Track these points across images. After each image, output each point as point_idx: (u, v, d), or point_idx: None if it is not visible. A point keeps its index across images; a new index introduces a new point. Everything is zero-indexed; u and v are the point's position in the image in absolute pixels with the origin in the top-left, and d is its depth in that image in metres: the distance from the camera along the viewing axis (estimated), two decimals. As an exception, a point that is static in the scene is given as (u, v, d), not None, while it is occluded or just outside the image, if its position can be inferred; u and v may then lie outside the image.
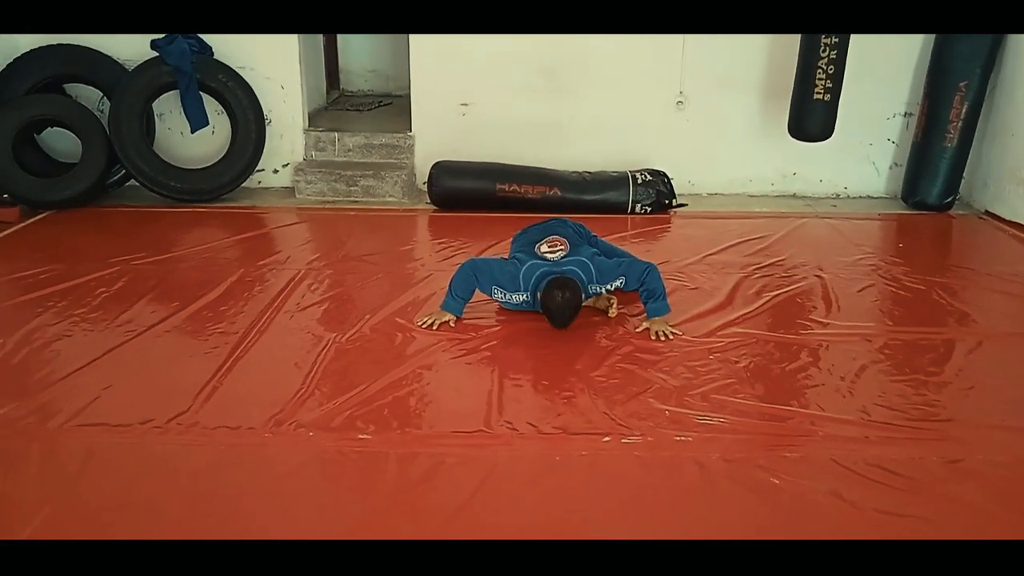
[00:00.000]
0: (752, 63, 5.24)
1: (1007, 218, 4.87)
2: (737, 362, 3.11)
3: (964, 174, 5.15)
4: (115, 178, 5.11)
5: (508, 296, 3.40)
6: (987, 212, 5.07)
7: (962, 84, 4.92)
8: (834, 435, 2.64)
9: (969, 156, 5.10)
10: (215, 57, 5.05)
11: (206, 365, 3.03)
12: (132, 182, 5.11)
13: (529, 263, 3.38)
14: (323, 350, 3.17)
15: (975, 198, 5.23)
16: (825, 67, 4.71)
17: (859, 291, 3.85)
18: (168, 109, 5.19)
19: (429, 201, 5.11)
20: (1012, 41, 4.87)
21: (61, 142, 5.16)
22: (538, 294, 3.28)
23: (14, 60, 4.96)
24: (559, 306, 3.22)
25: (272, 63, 5.22)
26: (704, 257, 4.25)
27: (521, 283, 3.36)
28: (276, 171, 5.43)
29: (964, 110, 4.95)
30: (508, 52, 5.18)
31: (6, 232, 4.50)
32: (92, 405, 2.75)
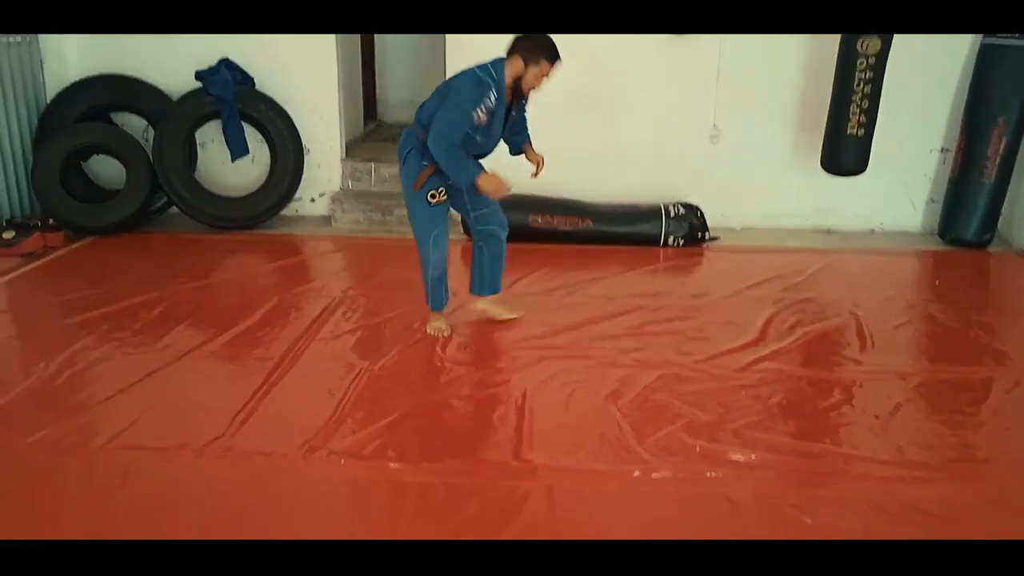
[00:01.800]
0: (786, 96, 5.25)
1: (1047, 256, 4.81)
2: (770, 398, 3.10)
3: (1002, 211, 5.09)
4: (158, 205, 5.24)
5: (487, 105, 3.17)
6: (1026, 249, 5.01)
7: (1001, 119, 4.88)
8: (868, 474, 2.62)
9: (1007, 193, 5.04)
10: (257, 88, 5.17)
11: (242, 390, 3.08)
12: (174, 209, 5.22)
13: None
14: (356, 377, 3.21)
15: (1014, 235, 5.16)
16: (859, 101, 4.71)
17: (894, 328, 3.81)
18: (210, 138, 5.32)
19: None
20: (1052, 78, 4.83)
21: (106, 169, 5.30)
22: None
23: (64, 89, 5.13)
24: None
25: (312, 94, 5.32)
26: (737, 291, 4.24)
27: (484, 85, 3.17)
28: (313, 200, 5.52)
29: (1003, 146, 4.90)
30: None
31: (52, 256, 4.62)
32: (131, 427, 2.81)
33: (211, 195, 5.17)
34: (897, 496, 2.48)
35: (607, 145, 5.35)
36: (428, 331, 3.61)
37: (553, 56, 3.20)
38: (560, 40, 5.17)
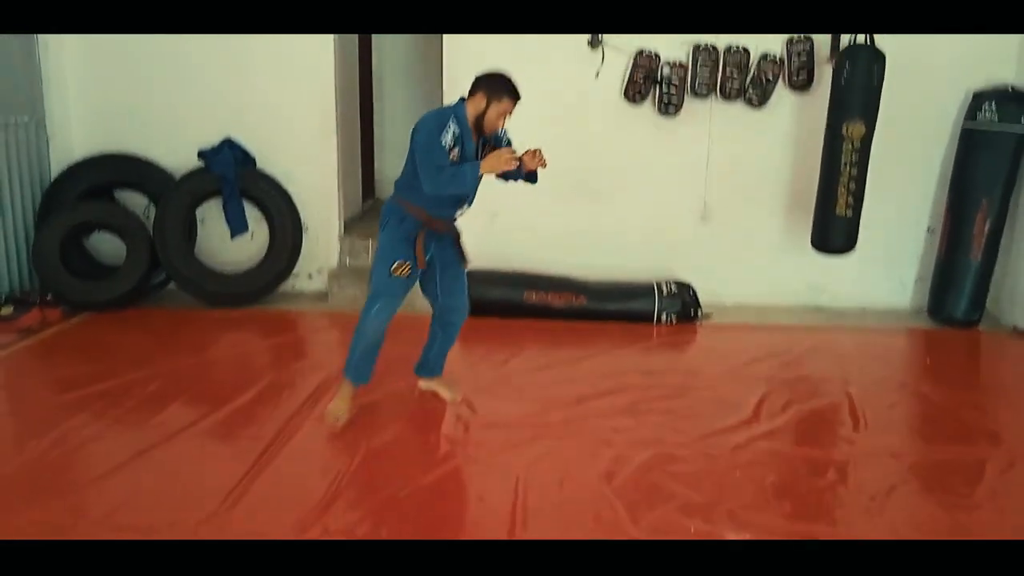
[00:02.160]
0: (775, 178, 5.37)
1: (1036, 334, 4.87)
2: (764, 478, 3.10)
3: (991, 290, 5.16)
4: (157, 280, 5.29)
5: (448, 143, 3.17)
6: (1015, 328, 5.05)
7: (984, 201, 4.99)
8: (863, 557, 2.60)
9: (995, 272, 5.13)
10: (258, 167, 5.28)
11: (235, 469, 3.06)
12: (173, 284, 5.27)
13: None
14: (351, 455, 3.20)
15: (1002, 314, 5.23)
16: (846, 183, 4.83)
17: (887, 407, 3.83)
18: (210, 215, 5.40)
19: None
20: (1032, 161, 4.97)
21: (108, 245, 5.37)
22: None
23: (68, 167, 5.23)
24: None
25: (312, 173, 5.43)
26: (730, 369, 4.26)
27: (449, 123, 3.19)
28: (311, 276, 5.58)
29: (987, 227, 5.01)
30: (538, 164, 5.36)
31: (49, 332, 4.64)
32: (123, 506, 2.80)
33: (209, 271, 5.22)
34: (892, 580, 2.46)
35: (600, 224, 5.44)
36: (326, 412, 3.45)
37: (514, 94, 3.26)
38: (554, 123, 5.34)
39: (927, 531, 2.76)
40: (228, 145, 5.21)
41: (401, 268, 3.36)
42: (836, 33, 4.92)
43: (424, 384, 3.81)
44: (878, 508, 2.90)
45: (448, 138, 3.17)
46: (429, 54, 6.70)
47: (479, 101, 3.24)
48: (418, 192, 3.27)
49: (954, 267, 5.12)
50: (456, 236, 3.52)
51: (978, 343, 5.00)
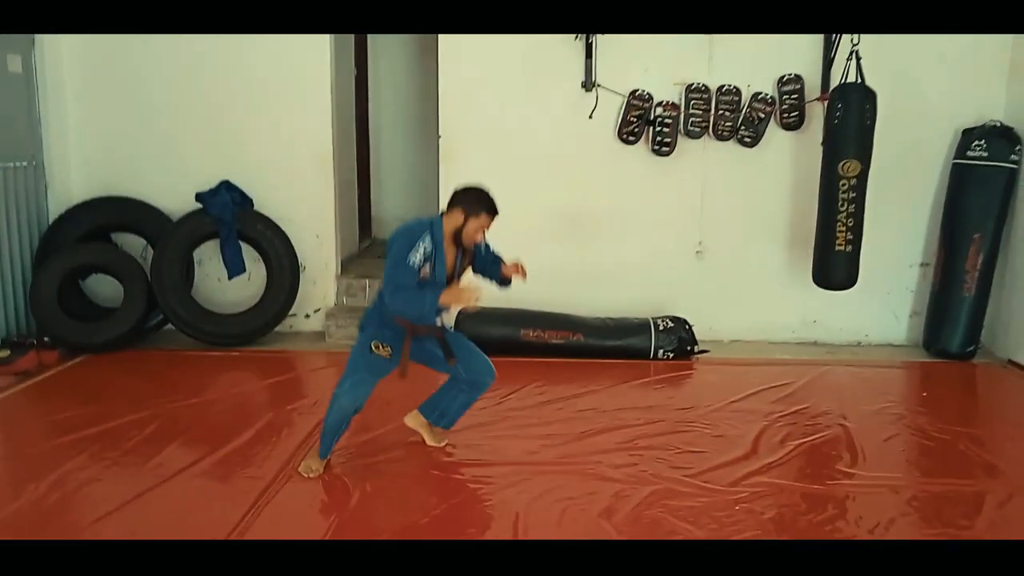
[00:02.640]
0: (770, 214, 5.43)
1: (1031, 367, 4.89)
2: (763, 513, 3.09)
3: (984, 322, 5.20)
4: (154, 322, 5.30)
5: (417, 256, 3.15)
6: (1010, 361, 5.08)
7: (976, 235, 5.06)
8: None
9: (988, 305, 5.17)
10: (255, 208, 5.33)
11: (234, 510, 3.06)
12: (170, 325, 5.28)
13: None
14: (350, 495, 3.19)
15: (997, 347, 5.26)
16: (844, 219, 4.88)
17: (884, 440, 3.84)
18: (207, 256, 5.44)
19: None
20: (1022, 194, 5.03)
21: (104, 287, 5.39)
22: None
23: (68, 209, 5.27)
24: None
25: (308, 214, 5.49)
26: (728, 404, 4.27)
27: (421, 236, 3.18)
28: (308, 316, 5.60)
29: (980, 260, 5.07)
30: (533, 200, 5.42)
31: (46, 375, 4.64)
32: (120, 550, 2.78)
33: (207, 312, 5.24)
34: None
35: (597, 261, 5.48)
36: (300, 468, 3.43)
37: (492, 209, 3.26)
38: (550, 164, 5.42)
39: (928, 565, 2.75)
40: (226, 187, 5.25)
41: (381, 348, 3.32)
42: (821, 33, 4.96)
43: (413, 422, 3.74)
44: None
45: (418, 257, 3.15)
46: (426, 93, 6.81)
47: (456, 216, 3.23)
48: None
49: (948, 301, 5.16)
50: (440, 335, 3.45)
51: (973, 376, 5.02)
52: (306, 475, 3.38)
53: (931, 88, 5.19)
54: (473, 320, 5.15)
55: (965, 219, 5.10)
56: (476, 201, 3.25)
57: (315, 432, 3.80)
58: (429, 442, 3.70)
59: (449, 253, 3.27)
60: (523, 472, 3.42)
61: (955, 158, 5.19)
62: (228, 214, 5.17)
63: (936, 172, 5.33)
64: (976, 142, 5.05)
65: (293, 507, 3.13)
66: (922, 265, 5.47)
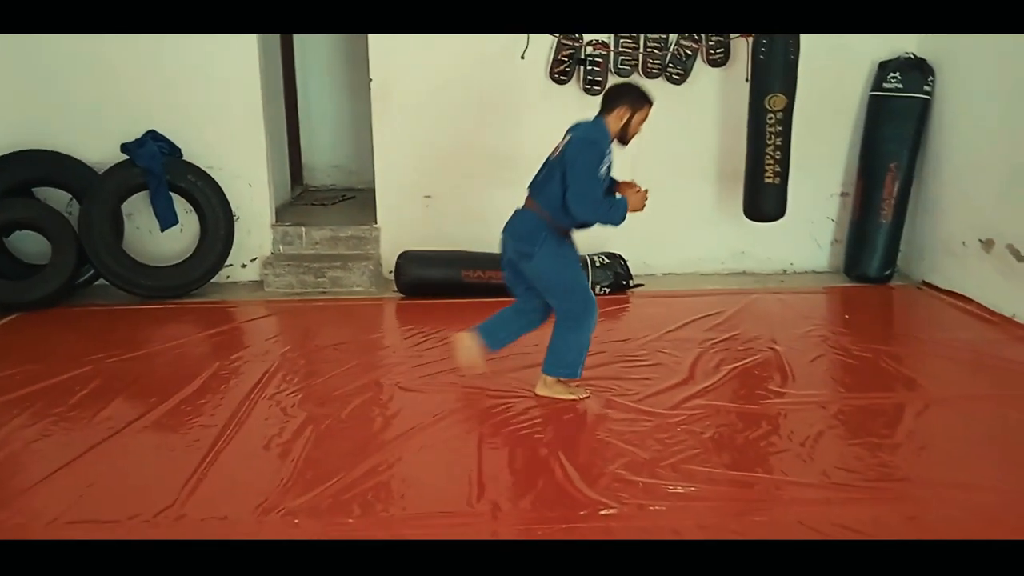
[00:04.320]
0: (700, 150, 5.57)
1: (943, 287, 5.19)
2: (703, 433, 3.27)
3: (900, 247, 5.49)
4: (84, 278, 5.18)
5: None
6: (924, 282, 5.39)
7: (892, 165, 5.29)
8: (798, 498, 2.80)
9: (904, 230, 5.45)
10: (184, 158, 5.21)
11: (189, 458, 3.08)
12: (102, 281, 5.18)
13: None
14: (304, 438, 3.25)
15: (912, 270, 5.56)
16: (772, 152, 5.06)
17: (811, 361, 4.07)
18: (137, 209, 5.31)
19: (396, 290, 5.26)
20: (935, 125, 5.28)
21: (29, 244, 5.24)
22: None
23: (-16, 166, 5.06)
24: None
25: (239, 162, 5.39)
26: (664, 334, 4.44)
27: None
28: (244, 265, 5.55)
29: (896, 188, 5.32)
30: (468, 142, 5.44)
31: (-25, 335, 4.52)
32: (77, 503, 2.79)
33: (140, 265, 5.15)
34: (826, 517, 2.66)
35: (532, 201, 5.54)
36: (560, 396, 3.54)
37: (650, 99, 3.36)
38: (484, 106, 5.44)
39: (854, 469, 2.97)
40: (152, 137, 5.12)
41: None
42: (760, 33, 5.09)
43: (463, 343, 3.67)
44: (808, 453, 3.10)
45: (604, 169, 3.30)
46: (355, 38, 6.68)
47: (623, 114, 3.32)
48: (568, 215, 3.33)
49: (867, 228, 5.41)
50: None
51: (891, 298, 5.32)
52: (571, 396, 3.52)
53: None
54: (415, 263, 5.20)
55: (882, 149, 5.33)
56: (639, 96, 3.34)
57: (265, 379, 3.84)
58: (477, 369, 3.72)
59: None
60: (475, 407, 3.53)
61: (872, 90, 5.40)
62: (156, 165, 5.05)
63: (855, 104, 5.53)
64: (891, 74, 5.26)
65: (250, 451, 3.17)
66: (842, 195, 5.71)
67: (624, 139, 3.39)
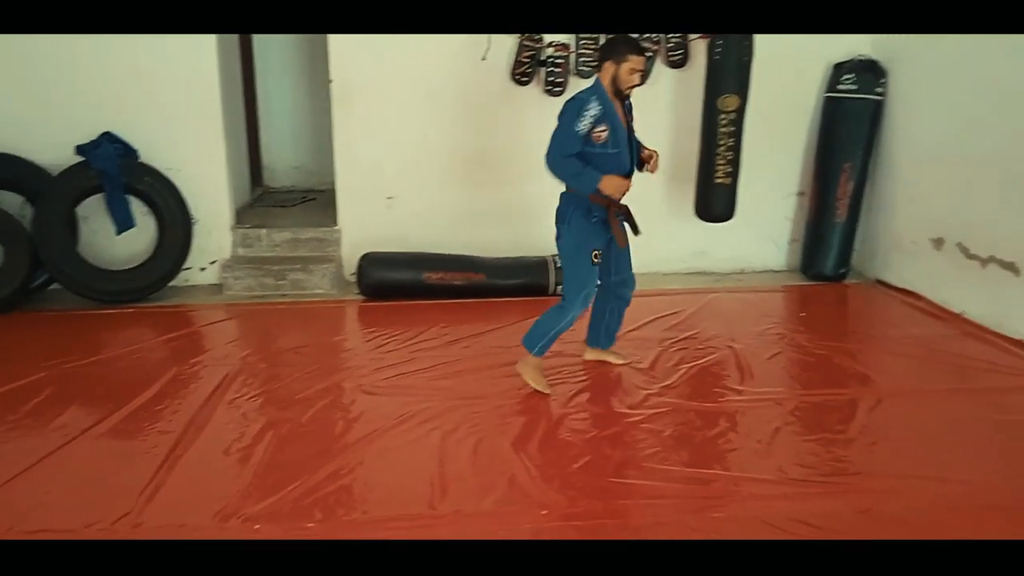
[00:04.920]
0: (660, 152, 5.59)
1: (895, 285, 5.31)
2: (663, 431, 3.32)
3: (855, 246, 5.60)
4: (38, 282, 5.08)
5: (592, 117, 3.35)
6: (878, 280, 5.51)
7: (846, 165, 5.40)
8: (756, 494, 2.86)
9: (858, 229, 5.56)
10: (141, 160, 5.14)
11: (146, 465, 3.05)
12: (57, 285, 5.08)
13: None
14: (265, 443, 3.23)
15: (866, 268, 5.68)
16: (724, 153, 5.14)
17: (768, 359, 4.14)
18: (92, 211, 5.21)
19: (358, 292, 5.24)
20: (887, 125, 5.39)
21: (-20, 248, 5.12)
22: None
23: (-67, 169, 4.95)
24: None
25: (198, 164, 5.32)
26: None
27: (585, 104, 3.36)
28: (203, 269, 5.48)
29: (850, 188, 5.42)
30: (430, 143, 5.44)
31: (-75, 342, 4.42)
32: (34, 511, 2.75)
33: (96, 269, 5.06)
34: (782, 512, 2.72)
35: (495, 202, 5.56)
36: (528, 381, 3.67)
37: (636, 48, 3.37)
38: (445, 107, 5.44)
39: (809, 464, 3.04)
40: (108, 138, 5.03)
41: (599, 257, 3.54)
42: (715, 33, 5.16)
43: (592, 355, 3.99)
44: (765, 450, 3.17)
45: (586, 122, 3.32)
46: (315, 39, 6.63)
47: (608, 70, 3.38)
48: None
49: (822, 227, 5.52)
50: (627, 211, 3.62)
51: (846, 296, 5.42)
52: (536, 386, 3.63)
53: (803, 25, 5.45)
54: (375, 265, 5.18)
55: (836, 149, 5.43)
56: (619, 46, 3.39)
57: (224, 383, 3.81)
58: (616, 362, 3.98)
59: (618, 112, 3.41)
60: (435, 408, 3.53)
61: (827, 91, 5.50)
62: (112, 166, 4.96)
63: (810, 105, 5.63)
64: (845, 76, 5.36)
65: (209, 457, 3.14)
66: (798, 194, 5.80)
67: (619, 94, 3.43)
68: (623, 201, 3.59)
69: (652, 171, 3.58)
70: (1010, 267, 4.34)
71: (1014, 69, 4.30)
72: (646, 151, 3.58)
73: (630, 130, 3.55)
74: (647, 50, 3.36)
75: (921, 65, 5.10)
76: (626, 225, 3.66)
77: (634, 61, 3.36)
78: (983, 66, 4.53)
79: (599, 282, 3.70)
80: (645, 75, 5.33)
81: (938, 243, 4.92)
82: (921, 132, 5.12)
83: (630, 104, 3.56)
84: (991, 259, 4.48)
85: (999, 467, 3.03)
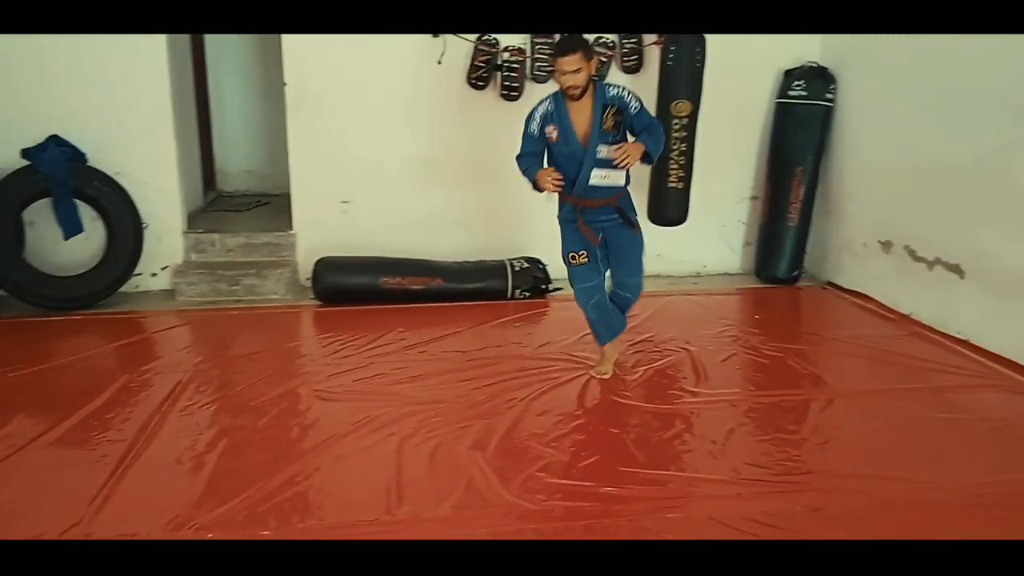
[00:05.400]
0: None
1: (846, 287, 5.42)
2: (619, 433, 3.34)
3: (807, 249, 5.70)
4: (-19, 289, 4.95)
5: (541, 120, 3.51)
6: (829, 283, 5.62)
7: (798, 169, 5.50)
8: (710, 494, 2.89)
9: (810, 233, 5.66)
10: (89, 164, 5.03)
11: (96, 474, 2.98)
12: (3, 291, 4.95)
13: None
14: (218, 450, 3.18)
15: (818, 271, 5.79)
16: (677, 157, 5.19)
17: (723, 360, 4.19)
18: (40, 217, 5.09)
19: (314, 297, 5.20)
20: (837, 131, 5.50)
21: (-79, 254, 4.96)
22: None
23: None
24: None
25: (148, 167, 5.23)
26: (581, 336, 4.49)
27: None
28: (155, 274, 5.39)
29: (802, 192, 5.52)
30: (387, 148, 5.42)
31: None
32: (-23, 524, 2.67)
33: (43, 276, 4.94)
34: (736, 511, 2.75)
35: (453, 206, 5.56)
36: (593, 372, 3.87)
37: (559, 51, 3.40)
38: (402, 111, 5.41)
39: (762, 464, 3.08)
40: (55, 142, 4.92)
41: (578, 258, 3.61)
42: (665, 33, 5.22)
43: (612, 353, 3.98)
44: (720, 450, 3.21)
45: (535, 123, 3.51)
46: (268, 42, 6.57)
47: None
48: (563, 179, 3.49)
49: (775, 231, 5.61)
50: (620, 208, 3.63)
51: (799, 298, 5.52)
52: (602, 375, 3.80)
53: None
54: (331, 270, 5.15)
55: (788, 154, 5.53)
56: (553, 50, 3.46)
57: (176, 390, 3.75)
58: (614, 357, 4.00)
59: (578, 112, 3.43)
60: (392, 414, 3.51)
61: (778, 97, 5.60)
62: (60, 170, 4.85)
63: (762, 111, 5.73)
64: (796, 82, 5.46)
65: (160, 465, 3.08)
66: (752, 199, 5.90)
67: (566, 95, 3.47)
68: (618, 201, 3.64)
69: (620, 166, 3.49)
70: (955, 269, 4.45)
71: (956, 76, 4.42)
72: (613, 148, 3.47)
73: (615, 127, 3.49)
74: (579, 51, 3.32)
75: (868, 72, 5.22)
76: (611, 228, 3.70)
77: (559, 63, 3.39)
78: (927, 73, 4.66)
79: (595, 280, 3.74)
80: (597, 78, 5.39)
81: (887, 246, 5.03)
82: (869, 138, 5.23)
83: (609, 102, 3.48)
84: (937, 261, 4.59)
85: (941, 465, 3.11)
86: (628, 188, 3.70)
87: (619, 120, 3.49)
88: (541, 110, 3.50)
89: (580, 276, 3.70)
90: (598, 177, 3.52)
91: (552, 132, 3.47)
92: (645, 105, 3.56)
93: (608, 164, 3.48)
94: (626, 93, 3.50)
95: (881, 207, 5.11)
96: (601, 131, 3.46)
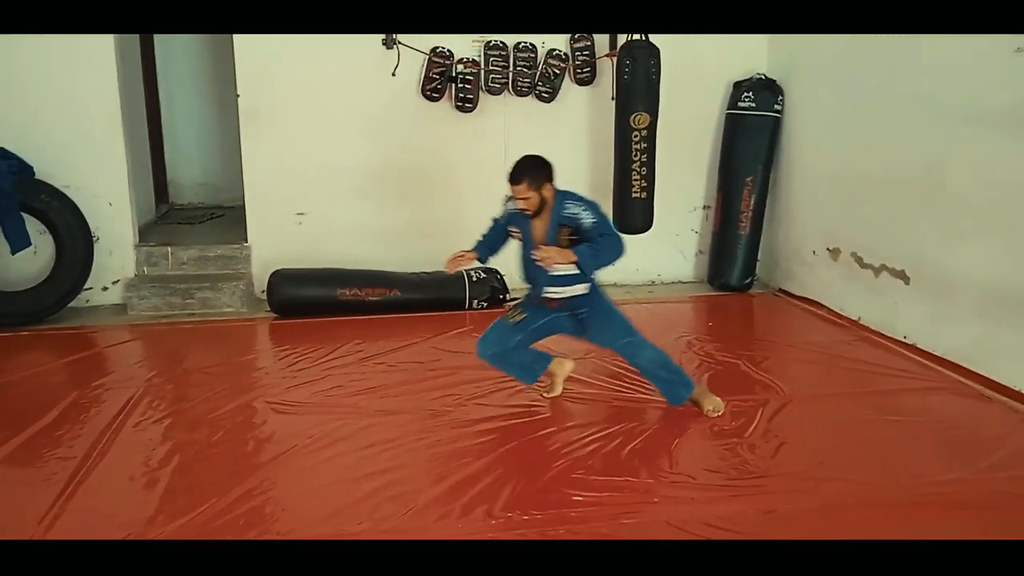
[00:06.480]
0: (570, 166, 5.69)
1: (797, 294, 5.54)
2: (576, 441, 3.36)
3: (758, 257, 5.81)
4: (-76, 305, 4.83)
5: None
6: (780, 290, 5.73)
7: (749, 179, 5.61)
8: (666, 499, 2.93)
9: (761, 241, 5.78)
10: (37, 176, 4.94)
11: (45, 493, 2.93)
12: (-56, 308, 4.84)
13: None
14: (172, 466, 3.14)
15: (770, 278, 5.90)
16: (639, 168, 5.26)
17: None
18: (-15, 230, 4.99)
19: (269, 309, 5.16)
20: (785, 141, 5.63)
21: None
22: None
23: None
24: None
25: (98, 180, 5.16)
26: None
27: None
28: (106, 288, 5.30)
29: (753, 201, 5.64)
30: (342, 159, 5.41)
31: None
32: (-80, 547, 2.60)
33: (-11, 291, 4.84)
34: (691, 515, 2.79)
35: (409, 217, 5.57)
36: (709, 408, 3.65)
37: (509, 177, 3.48)
38: (357, 122, 5.40)
39: (717, 469, 3.13)
40: (0, 155, 4.83)
41: (515, 314, 3.69)
42: (615, 33, 5.30)
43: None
44: (675, 456, 3.25)
45: (503, 215, 3.68)
46: (220, 48, 6.52)
47: None
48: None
49: (727, 239, 5.71)
50: (571, 311, 3.65)
51: (751, 305, 5.62)
52: (717, 412, 3.63)
53: (705, 45, 5.62)
54: (287, 282, 5.12)
55: (739, 164, 5.64)
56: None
57: (128, 406, 3.70)
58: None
59: (539, 220, 3.52)
60: (350, 425, 3.50)
61: (728, 108, 5.71)
62: (6, 183, 4.75)
63: (713, 122, 5.84)
64: (745, 94, 5.58)
65: (113, 482, 3.04)
66: (704, 208, 6.00)
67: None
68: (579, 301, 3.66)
69: (544, 267, 3.53)
70: (900, 275, 4.58)
71: (896, 87, 4.55)
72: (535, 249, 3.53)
73: (573, 236, 3.52)
74: (523, 181, 3.44)
75: (814, 83, 5.35)
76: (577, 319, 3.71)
77: (511, 189, 3.49)
78: (870, 84, 4.78)
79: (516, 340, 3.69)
80: (554, 93, 5.45)
81: (835, 253, 5.15)
82: (816, 148, 5.36)
83: (564, 223, 3.51)
84: (883, 268, 4.72)
85: (889, 467, 3.18)
86: (593, 288, 3.69)
87: (574, 239, 3.52)
88: (508, 205, 3.60)
89: (497, 330, 3.68)
90: (555, 287, 3.59)
91: (515, 232, 3.62)
92: (602, 209, 3.59)
93: (571, 275, 3.53)
94: (581, 210, 3.48)
95: (828, 215, 5.23)
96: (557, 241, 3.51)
